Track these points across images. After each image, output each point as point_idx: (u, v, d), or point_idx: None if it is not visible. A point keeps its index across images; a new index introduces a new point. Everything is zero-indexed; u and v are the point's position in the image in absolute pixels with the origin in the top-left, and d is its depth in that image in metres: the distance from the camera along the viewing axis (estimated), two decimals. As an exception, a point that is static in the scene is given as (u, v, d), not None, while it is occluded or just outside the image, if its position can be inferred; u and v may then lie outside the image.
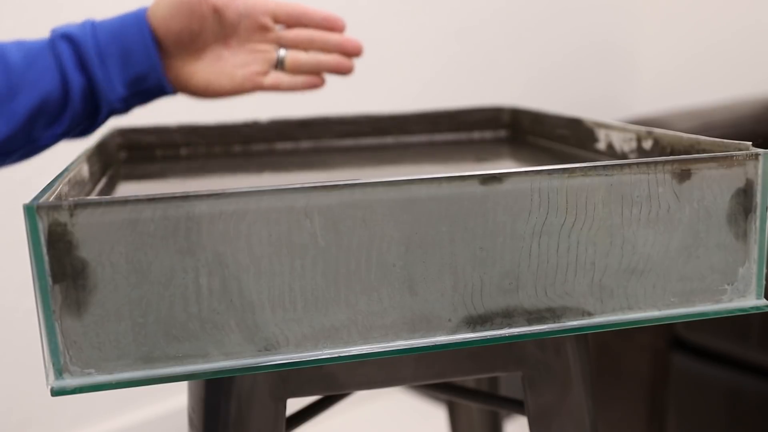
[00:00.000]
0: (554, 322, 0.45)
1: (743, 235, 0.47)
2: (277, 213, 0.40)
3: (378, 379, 0.51)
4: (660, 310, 0.46)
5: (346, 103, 1.43)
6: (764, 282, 0.48)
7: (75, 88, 0.64)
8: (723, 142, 0.50)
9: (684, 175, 0.45)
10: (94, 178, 0.59)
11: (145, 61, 0.65)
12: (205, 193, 0.40)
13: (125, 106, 0.67)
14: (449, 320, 0.44)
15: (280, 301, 0.41)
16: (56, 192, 0.43)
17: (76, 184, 0.50)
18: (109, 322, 0.40)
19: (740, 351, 1.20)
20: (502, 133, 0.82)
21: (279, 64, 0.70)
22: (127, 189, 0.60)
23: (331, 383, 0.50)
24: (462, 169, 0.44)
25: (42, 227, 0.38)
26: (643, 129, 0.59)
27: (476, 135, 0.82)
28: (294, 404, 0.52)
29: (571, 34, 1.93)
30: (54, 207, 0.38)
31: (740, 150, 0.47)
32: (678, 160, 0.45)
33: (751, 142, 0.47)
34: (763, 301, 0.48)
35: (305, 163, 0.71)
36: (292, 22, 0.69)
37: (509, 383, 0.72)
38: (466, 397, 0.60)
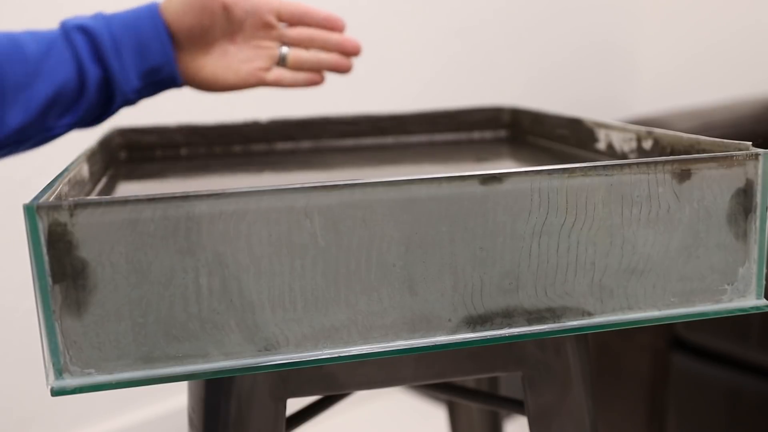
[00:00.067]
0: (554, 322, 0.45)
1: (743, 235, 0.47)
2: (277, 213, 0.40)
3: (378, 379, 0.51)
4: (660, 310, 0.46)
5: (346, 103, 1.43)
6: (764, 282, 0.48)
7: (91, 79, 0.65)
8: (723, 142, 0.50)
9: (684, 175, 0.45)
10: (94, 178, 0.59)
11: (160, 54, 0.67)
12: (205, 193, 0.40)
13: (137, 97, 0.69)
14: (449, 320, 0.44)
15: (280, 301, 0.41)
16: (56, 192, 0.43)
17: (76, 184, 0.50)
18: (109, 322, 0.40)
19: (740, 351, 1.20)
20: (502, 133, 0.82)
21: (281, 61, 0.72)
22: (127, 189, 0.60)
23: (331, 383, 0.50)
24: (462, 169, 0.44)
25: (42, 227, 0.38)
26: (643, 129, 0.59)
27: (476, 135, 0.82)
28: (294, 404, 0.52)
29: (571, 34, 1.93)
30: (54, 207, 0.38)
31: (740, 150, 0.47)
32: (678, 160, 0.45)
33: (751, 142, 0.47)
34: (763, 301, 0.48)
35: (305, 163, 0.71)
36: (295, 20, 0.71)
37: (509, 383, 0.72)
38: (466, 397, 0.60)
